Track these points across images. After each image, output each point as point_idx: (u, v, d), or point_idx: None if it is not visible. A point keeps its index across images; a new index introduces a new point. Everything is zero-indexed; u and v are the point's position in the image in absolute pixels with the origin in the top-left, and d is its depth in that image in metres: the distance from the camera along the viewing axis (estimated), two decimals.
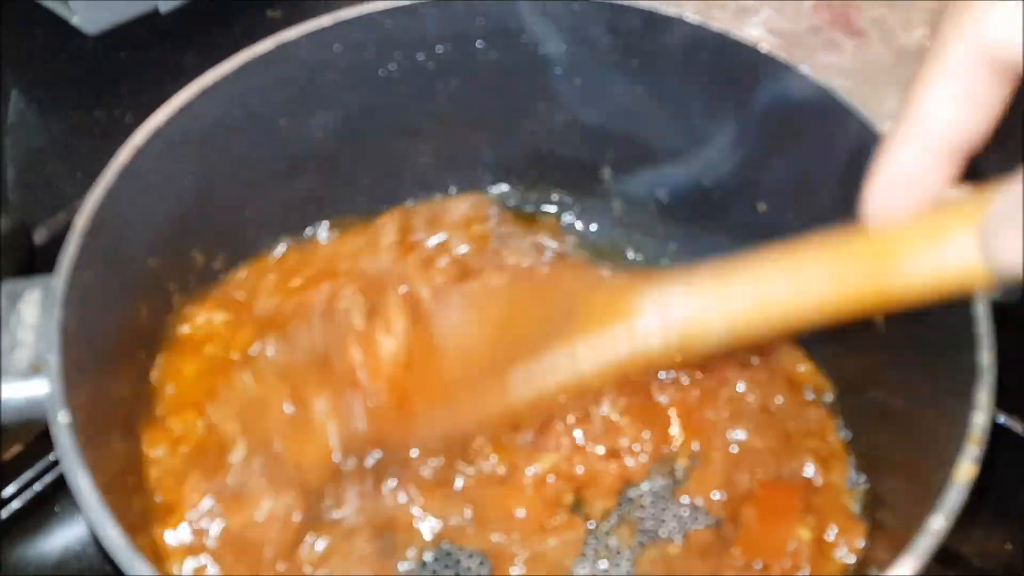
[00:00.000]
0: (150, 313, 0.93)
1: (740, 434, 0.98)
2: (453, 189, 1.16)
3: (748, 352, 1.02)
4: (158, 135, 0.88)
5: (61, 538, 1.05)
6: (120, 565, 0.62)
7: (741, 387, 1.01)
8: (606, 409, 0.98)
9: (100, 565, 1.02)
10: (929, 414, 0.82)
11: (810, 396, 1.02)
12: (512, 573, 0.91)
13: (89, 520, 0.64)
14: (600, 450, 0.97)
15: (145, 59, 1.38)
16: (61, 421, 0.69)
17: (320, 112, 1.04)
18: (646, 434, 0.98)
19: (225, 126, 0.96)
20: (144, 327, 0.93)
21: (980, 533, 1.02)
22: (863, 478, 0.96)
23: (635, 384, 0.99)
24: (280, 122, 1.01)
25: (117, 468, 0.81)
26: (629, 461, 0.98)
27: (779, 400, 1.00)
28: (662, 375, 1.00)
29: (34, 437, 1.07)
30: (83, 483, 0.65)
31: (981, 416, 0.72)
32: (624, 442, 0.98)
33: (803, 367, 1.03)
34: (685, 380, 1.00)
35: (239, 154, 0.99)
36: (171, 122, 0.89)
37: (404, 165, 1.13)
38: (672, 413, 1.00)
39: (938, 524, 0.68)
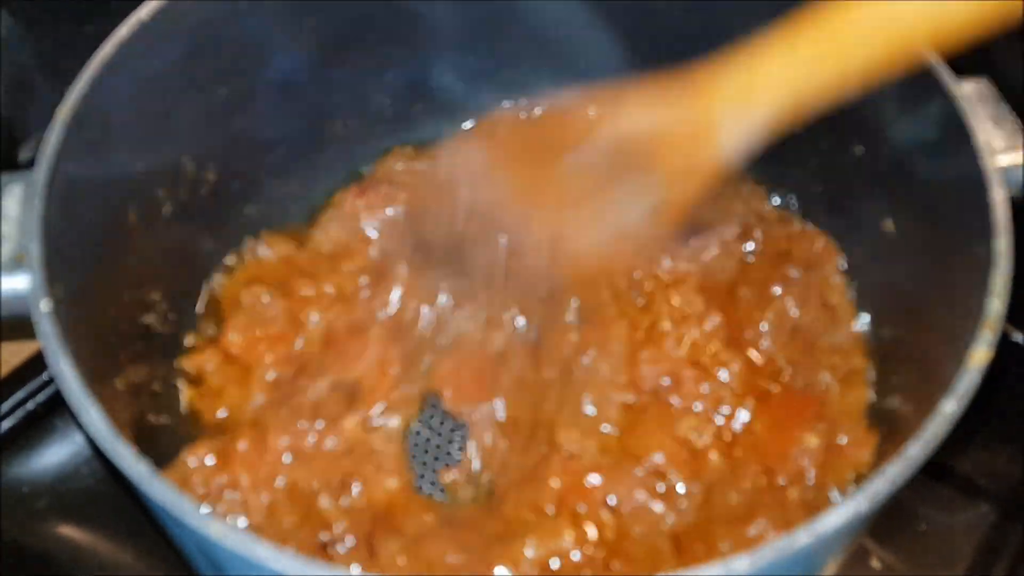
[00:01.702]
0: (139, 220, 0.90)
1: (767, 342, 0.97)
2: None
3: (792, 265, 1.02)
4: (143, 29, 0.84)
5: (58, 454, 1.03)
6: (106, 452, 0.60)
7: (778, 291, 1.00)
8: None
9: (98, 480, 1.01)
10: (946, 310, 0.79)
11: (841, 315, 1.00)
12: None
13: (73, 408, 0.61)
14: None
15: None
16: (43, 309, 0.66)
17: (320, 22, 1.00)
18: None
19: (213, 26, 0.92)
20: (133, 234, 0.90)
21: (980, 452, 1.01)
22: (879, 392, 0.95)
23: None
24: (275, 22, 0.97)
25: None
26: None
27: (811, 315, 0.99)
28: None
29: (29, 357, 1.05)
30: (65, 369, 0.63)
31: (996, 303, 0.69)
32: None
33: (837, 278, 1.02)
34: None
35: (227, 56, 0.95)
36: (157, 16, 0.85)
37: None
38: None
39: (950, 407, 0.66)
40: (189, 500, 0.58)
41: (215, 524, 0.57)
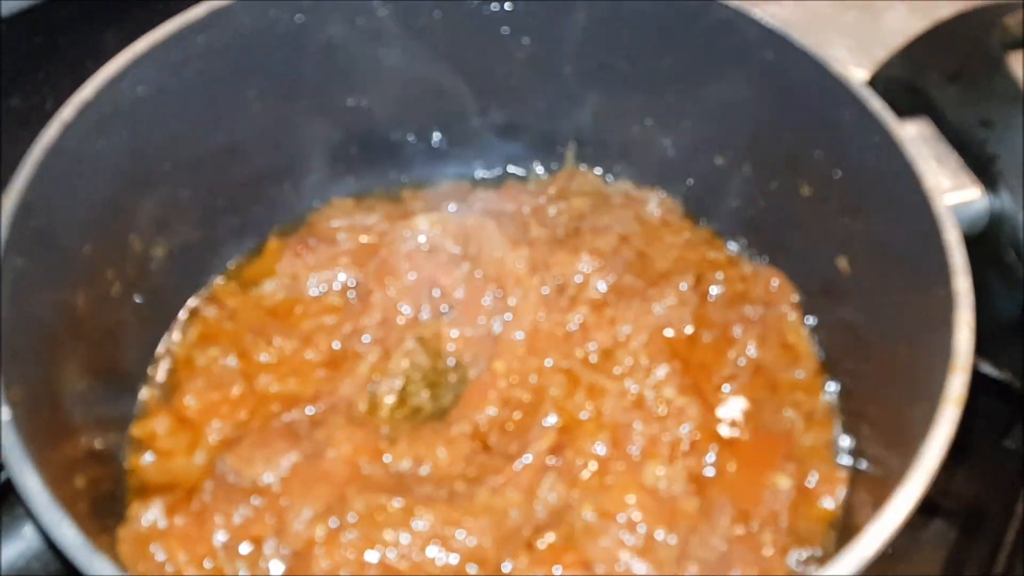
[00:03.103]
0: (88, 303, 0.88)
1: (729, 385, 0.98)
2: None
3: (749, 304, 1.02)
4: (87, 109, 0.83)
5: (6, 552, 0.99)
6: (79, 566, 0.58)
7: (738, 331, 1.00)
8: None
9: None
10: (909, 348, 0.81)
11: (801, 351, 1.01)
12: None
13: (42, 522, 0.59)
14: None
15: (62, 41, 1.31)
16: (3, 418, 0.63)
17: (258, 84, 0.99)
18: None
19: (158, 100, 0.91)
20: (83, 318, 0.87)
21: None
22: (846, 431, 0.96)
23: None
24: (216, 95, 0.96)
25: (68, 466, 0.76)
26: None
27: (772, 353, 1.00)
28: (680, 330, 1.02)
29: None
30: (30, 480, 0.61)
31: (964, 342, 0.70)
32: None
33: (793, 315, 1.03)
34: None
35: (174, 131, 0.94)
36: (100, 95, 0.84)
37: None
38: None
39: (930, 462, 0.67)
40: None
41: None
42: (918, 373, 0.77)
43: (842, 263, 0.95)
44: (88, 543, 0.57)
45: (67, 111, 0.81)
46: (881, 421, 0.88)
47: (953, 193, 0.82)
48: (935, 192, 0.78)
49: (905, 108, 0.86)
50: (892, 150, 0.82)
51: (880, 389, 0.88)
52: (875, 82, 0.93)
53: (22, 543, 0.97)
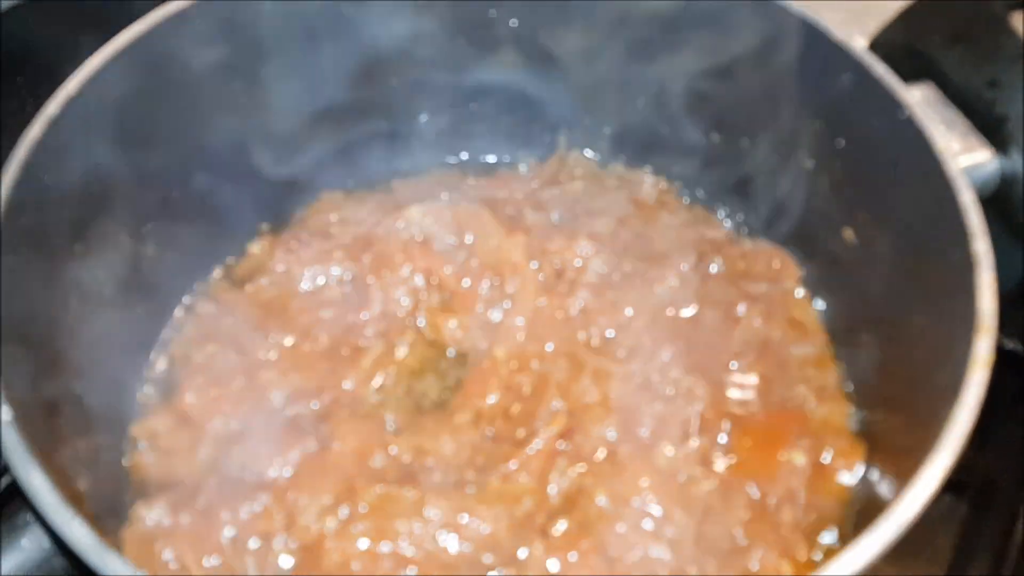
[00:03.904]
0: (81, 302, 0.85)
1: (737, 362, 0.96)
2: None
3: (752, 282, 1.01)
4: (72, 104, 0.80)
5: (6, 565, 0.96)
6: (92, 566, 0.55)
7: (742, 309, 0.98)
8: None
9: None
10: (926, 317, 0.79)
11: (808, 327, 1.00)
12: None
13: (52, 523, 0.56)
14: None
15: (38, 45, 1.28)
16: (4, 418, 0.61)
17: (244, 77, 0.96)
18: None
19: (143, 95, 0.88)
20: (78, 318, 0.85)
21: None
22: (861, 405, 0.94)
23: None
24: (202, 89, 0.94)
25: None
26: None
27: (779, 330, 0.98)
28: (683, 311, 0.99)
29: None
30: (38, 482, 0.58)
31: (987, 304, 0.69)
32: None
33: (800, 291, 1.01)
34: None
35: (160, 127, 0.92)
36: (84, 90, 0.81)
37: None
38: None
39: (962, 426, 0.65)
40: None
41: None
42: (937, 340, 0.75)
43: (848, 234, 0.94)
44: (101, 542, 0.54)
45: (52, 106, 0.79)
46: (897, 392, 0.86)
47: (964, 156, 0.81)
48: (947, 155, 0.77)
49: (907, 73, 0.84)
50: (899, 116, 0.81)
51: (895, 359, 0.87)
52: (874, 48, 0.91)
53: (21, 555, 0.95)
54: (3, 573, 0.95)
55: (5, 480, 0.97)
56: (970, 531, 0.99)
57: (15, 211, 0.73)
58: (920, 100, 0.84)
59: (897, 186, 0.84)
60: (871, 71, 0.83)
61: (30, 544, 0.97)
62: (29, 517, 0.98)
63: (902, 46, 0.90)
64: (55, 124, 0.78)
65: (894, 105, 0.82)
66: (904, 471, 0.77)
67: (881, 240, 0.88)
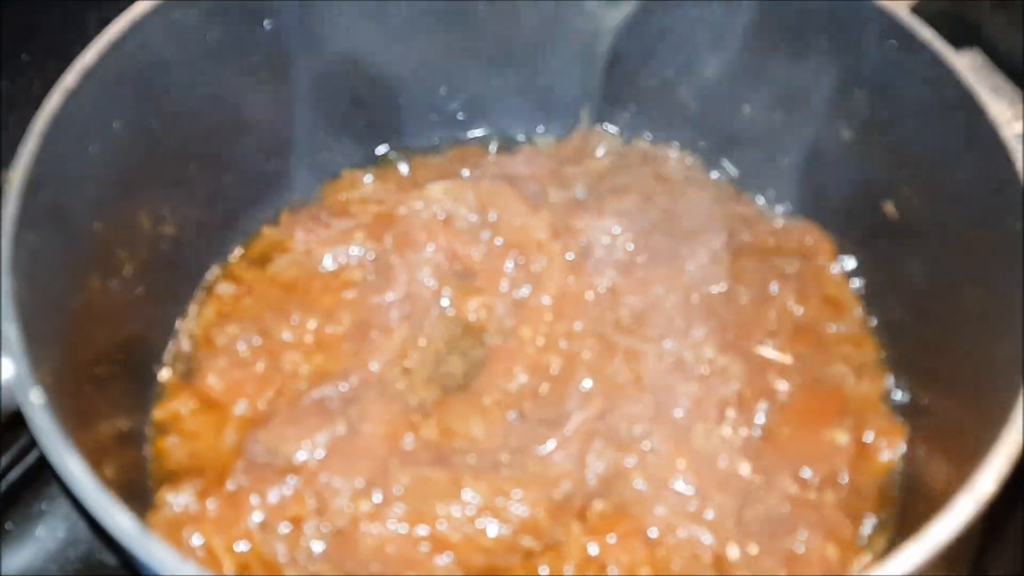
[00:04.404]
0: (101, 283, 0.82)
1: (771, 341, 0.94)
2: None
3: (784, 260, 0.98)
4: (90, 76, 0.77)
5: (18, 558, 0.94)
6: (134, 552, 0.52)
7: (775, 288, 0.96)
8: None
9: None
10: (978, 294, 0.77)
11: (844, 304, 0.98)
12: None
13: (91, 509, 0.53)
14: None
15: (44, 23, 1.24)
16: (34, 401, 0.58)
17: (262, 50, 0.93)
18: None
19: (161, 68, 0.85)
20: (97, 300, 0.82)
21: None
22: (902, 384, 0.92)
23: None
24: (220, 63, 0.91)
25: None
26: None
27: (814, 308, 0.96)
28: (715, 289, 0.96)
29: None
30: (75, 468, 0.55)
31: None
32: None
33: (834, 269, 0.99)
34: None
35: (179, 102, 0.89)
36: (103, 61, 0.78)
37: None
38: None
39: None
40: None
41: None
42: (990, 314, 0.73)
43: (889, 208, 0.91)
44: (145, 529, 0.51)
45: (70, 78, 0.76)
46: (944, 369, 0.84)
47: (1016, 123, 0.78)
48: (1001, 122, 0.74)
49: (952, 40, 0.81)
50: (947, 82, 0.78)
51: (942, 335, 0.85)
52: (917, 14, 0.88)
53: (36, 545, 0.93)
54: (18, 564, 0.93)
55: (17, 471, 0.95)
56: (995, 528, 0.97)
57: (35, 185, 0.70)
58: (966, 67, 0.81)
59: (946, 156, 0.81)
60: (917, 36, 0.80)
61: (45, 533, 0.95)
62: (44, 506, 0.96)
63: (946, 12, 0.87)
64: (73, 96, 0.75)
65: (943, 71, 0.79)
66: (955, 451, 0.75)
67: (927, 213, 0.85)
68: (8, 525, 0.95)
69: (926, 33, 0.80)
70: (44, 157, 0.72)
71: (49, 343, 0.68)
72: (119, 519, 0.52)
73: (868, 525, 0.85)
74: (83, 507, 0.54)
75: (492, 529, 0.81)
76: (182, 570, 0.50)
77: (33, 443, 0.92)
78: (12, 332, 0.60)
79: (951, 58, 0.79)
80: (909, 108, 0.85)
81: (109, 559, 0.93)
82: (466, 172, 1.07)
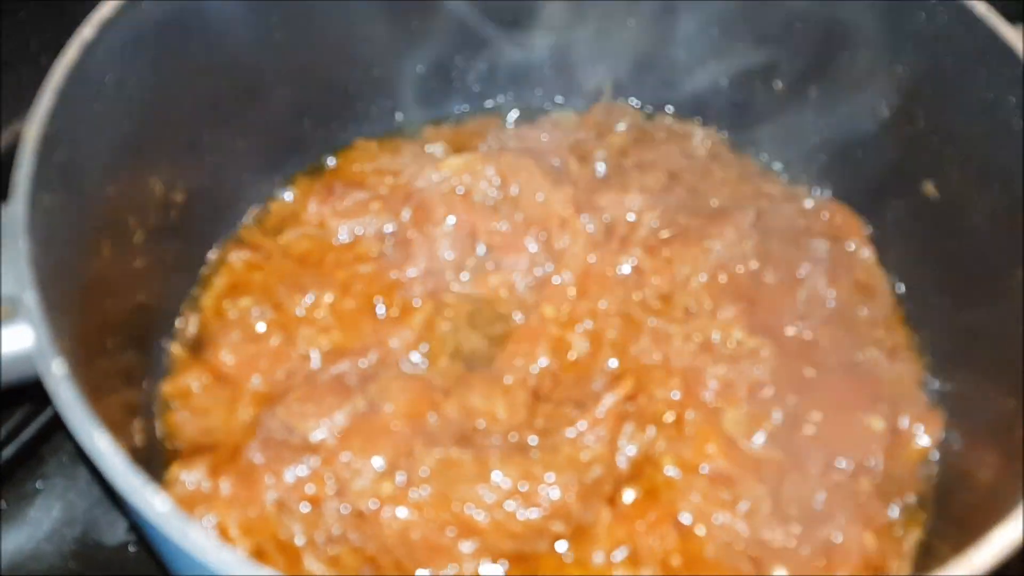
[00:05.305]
0: (112, 251, 0.78)
1: (801, 323, 0.90)
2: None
3: (813, 241, 0.95)
4: (108, 28, 0.73)
5: (13, 541, 0.91)
6: (168, 535, 0.49)
7: (805, 270, 0.93)
8: None
9: (64, 556, 0.90)
10: (1013, 278, 0.74)
11: (876, 287, 0.95)
12: None
13: (121, 490, 0.50)
14: None
15: None
16: (56, 372, 0.54)
17: (280, 11, 0.89)
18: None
19: (178, 26, 0.81)
20: (108, 268, 0.78)
21: None
22: (938, 369, 0.90)
23: None
24: (237, 23, 0.87)
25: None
26: None
27: (844, 291, 0.93)
28: (741, 269, 0.93)
29: None
30: (102, 445, 0.51)
31: None
32: None
33: (865, 251, 0.96)
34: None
35: (193, 64, 0.85)
36: (120, 14, 0.74)
37: None
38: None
39: None
40: None
41: None
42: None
43: (929, 188, 0.88)
44: (181, 510, 0.48)
45: (87, 30, 0.72)
46: (985, 355, 0.81)
47: None
48: None
49: (1006, 15, 0.78)
50: (1004, 57, 0.75)
51: (984, 320, 0.82)
52: None
53: (29, 525, 0.90)
54: (14, 544, 0.90)
55: (10, 449, 0.91)
56: None
57: (50, 143, 0.66)
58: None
59: (996, 135, 0.78)
60: (972, 10, 0.77)
61: (40, 513, 0.92)
62: (39, 485, 0.93)
63: None
64: (90, 50, 0.71)
65: (998, 46, 0.76)
66: (1001, 441, 0.73)
67: (973, 193, 0.82)
68: (2, 504, 0.92)
69: (981, 7, 0.77)
70: (60, 114, 0.68)
71: (64, 312, 0.64)
72: (152, 500, 0.48)
73: (904, 513, 0.83)
74: (106, 483, 0.50)
75: (522, 512, 0.78)
76: (221, 555, 0.47)
77: (27, 422, 0.91)
78: (32, 299, 0.56)
79: (1009, 32, 0.76)
80: (955, 84, 0.82)
81: (105, 538, 0.90)
82: (484, 146, 1.03)
